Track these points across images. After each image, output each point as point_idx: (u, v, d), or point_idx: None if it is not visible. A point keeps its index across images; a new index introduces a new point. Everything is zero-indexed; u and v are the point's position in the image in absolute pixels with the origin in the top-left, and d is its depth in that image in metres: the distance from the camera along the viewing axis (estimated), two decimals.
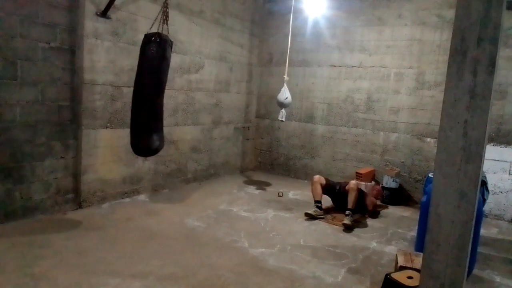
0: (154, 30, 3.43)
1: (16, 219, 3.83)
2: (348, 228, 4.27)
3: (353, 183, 4.67)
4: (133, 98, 3.51)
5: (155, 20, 3.42)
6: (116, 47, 4.48)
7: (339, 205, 4.83)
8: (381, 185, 5.61)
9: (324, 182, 4.83)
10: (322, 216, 4.60)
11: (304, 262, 3.43)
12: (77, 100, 4.25)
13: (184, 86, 5.52)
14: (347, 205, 4.53)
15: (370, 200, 4.85)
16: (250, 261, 3.38)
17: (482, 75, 1.71)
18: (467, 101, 1.75)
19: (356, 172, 5.69)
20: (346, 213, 4.44)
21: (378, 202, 5.33)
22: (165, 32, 3.41)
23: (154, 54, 3.34)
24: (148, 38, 3.36)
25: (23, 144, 3.87)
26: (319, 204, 4.68)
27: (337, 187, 4.89)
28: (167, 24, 3.41)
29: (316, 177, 4.87)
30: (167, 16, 3.42)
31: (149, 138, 3.50)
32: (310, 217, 4.54)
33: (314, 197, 4.78)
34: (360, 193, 4.74)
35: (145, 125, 3.49)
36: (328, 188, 4.87)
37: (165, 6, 3.37)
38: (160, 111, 3.56)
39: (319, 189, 4.76)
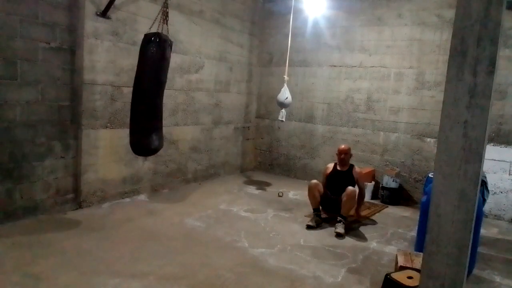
0: (154, 30, 3.43)
1: (16, 219, 3.83)
2: (340, 236, 4.07)
3: (350, 189, 4.22)
4: (132, 98, 3.51)
5: (154, 20, 3.42)
6: (116, 47, 4.48)
7: (331, 211, 4.50)
8: (380, 185, 5.62)
9: (322, 190, 4.41)
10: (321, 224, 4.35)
11: (304, 262, 3.43)
12: (77, 100, 4.25)
13: (184, 86, 5.52)
14: (339, 210, 4.26)
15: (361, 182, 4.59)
16: (250, 261, 3.38)
17: (482, 75, 1.71)
18: (467, 101, 1.75)
19: None
20: (338, 220, 4.21)
21: (378, 202, 5.32)
22: (165, 32, 3.41)
23: (154, 54, 3.32)
24: (147, 38, 3.35)
25: (23, 144, 3.87)
26: (318, 213, 4.39)
27: (333, 196, 4.49)
28: (167, 24, 3.41)
29: (313, 182, 4.42)
30: (167, 16, 3.41)
31: (149, 138, 3.48)
32: (313, 228, 4.24)
33: (311, 205, 4.46)
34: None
35: (144, 125, 3.48)
36: (324, 198, 4.48)
37: (165, 6, 3.36)
38: (159, 110, 3.55)
39: (317, 196, 4.38)
